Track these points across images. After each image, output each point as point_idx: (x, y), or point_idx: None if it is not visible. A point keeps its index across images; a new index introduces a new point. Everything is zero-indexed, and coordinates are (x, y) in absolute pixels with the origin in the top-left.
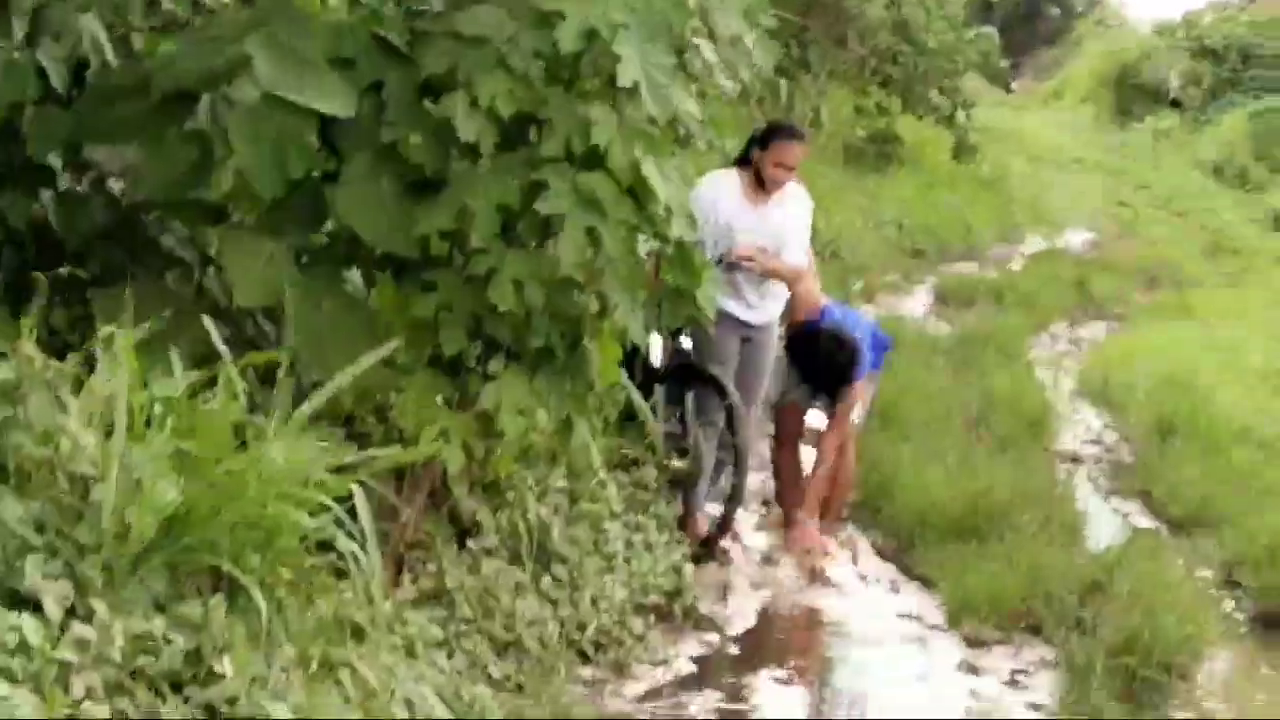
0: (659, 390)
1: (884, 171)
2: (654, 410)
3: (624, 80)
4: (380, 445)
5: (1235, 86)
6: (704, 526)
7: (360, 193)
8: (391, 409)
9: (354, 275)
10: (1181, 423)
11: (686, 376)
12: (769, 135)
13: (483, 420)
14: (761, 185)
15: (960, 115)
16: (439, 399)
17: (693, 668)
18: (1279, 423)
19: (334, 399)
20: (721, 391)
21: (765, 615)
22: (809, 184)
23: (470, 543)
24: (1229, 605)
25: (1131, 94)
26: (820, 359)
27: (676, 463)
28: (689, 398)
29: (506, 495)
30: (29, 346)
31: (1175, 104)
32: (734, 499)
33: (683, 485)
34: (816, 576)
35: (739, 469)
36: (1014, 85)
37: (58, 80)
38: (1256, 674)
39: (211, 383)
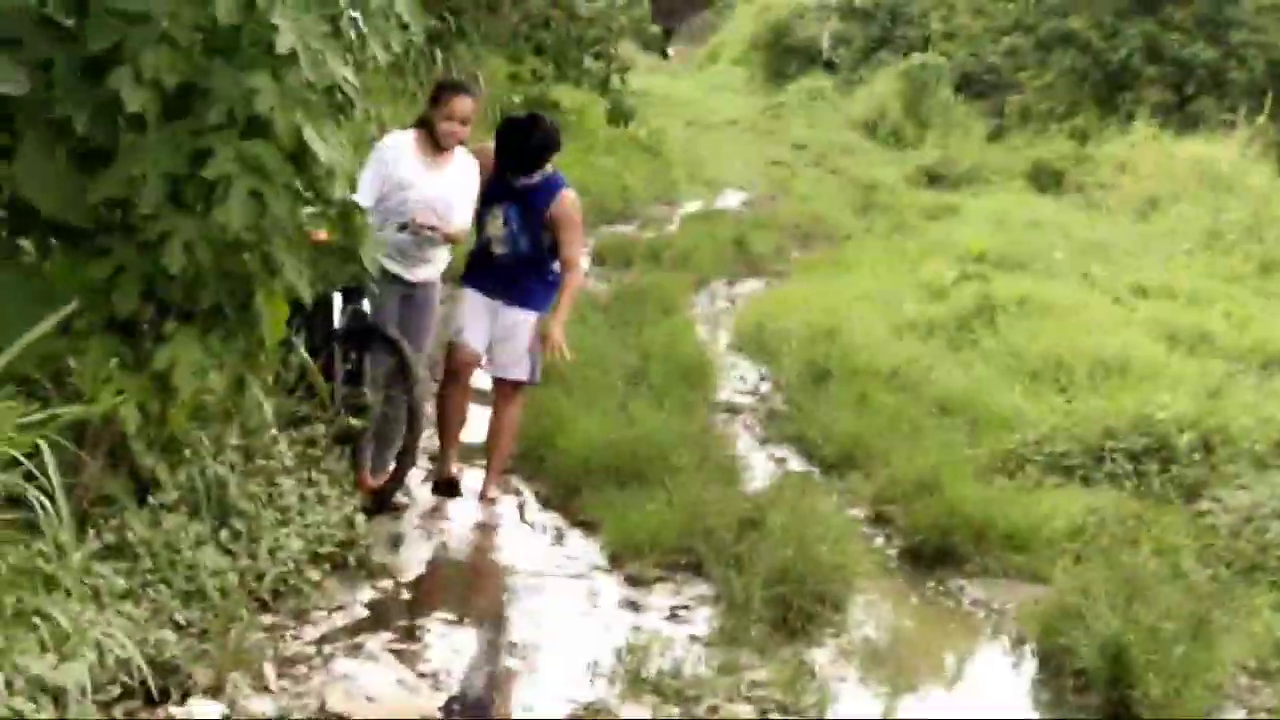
0: (338, 350)
1: None
2: (333, 369)
3: (282, 48)
4: (60, 407)
5: (885, 45)
6: (375, 481)
7: (34, 165)
8: (70, 374)
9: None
10: (833, 370)
11: (362, 335)
12: (438, 92)
13: (158, 380)
14: (437, 145)
15: (615, 80)
16: (115, 361)
17: (367, 612)
18: (926, 368)
19: (14, 364)
20: (395, 349)
21: (436, 563)
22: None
23: (151, 498)
24: (880, 540)
25: (785, 56)
26: (517, 137)
27: (350, 420)
28: (366, 356)
29: (184, 452)
30: None
31: (829, 64)
32: (406, 454)
33: (355, 442)
34: (484, 527)
35: (411, 425)
36: (670, 51)
37: None
38: (906, 604)
39: None
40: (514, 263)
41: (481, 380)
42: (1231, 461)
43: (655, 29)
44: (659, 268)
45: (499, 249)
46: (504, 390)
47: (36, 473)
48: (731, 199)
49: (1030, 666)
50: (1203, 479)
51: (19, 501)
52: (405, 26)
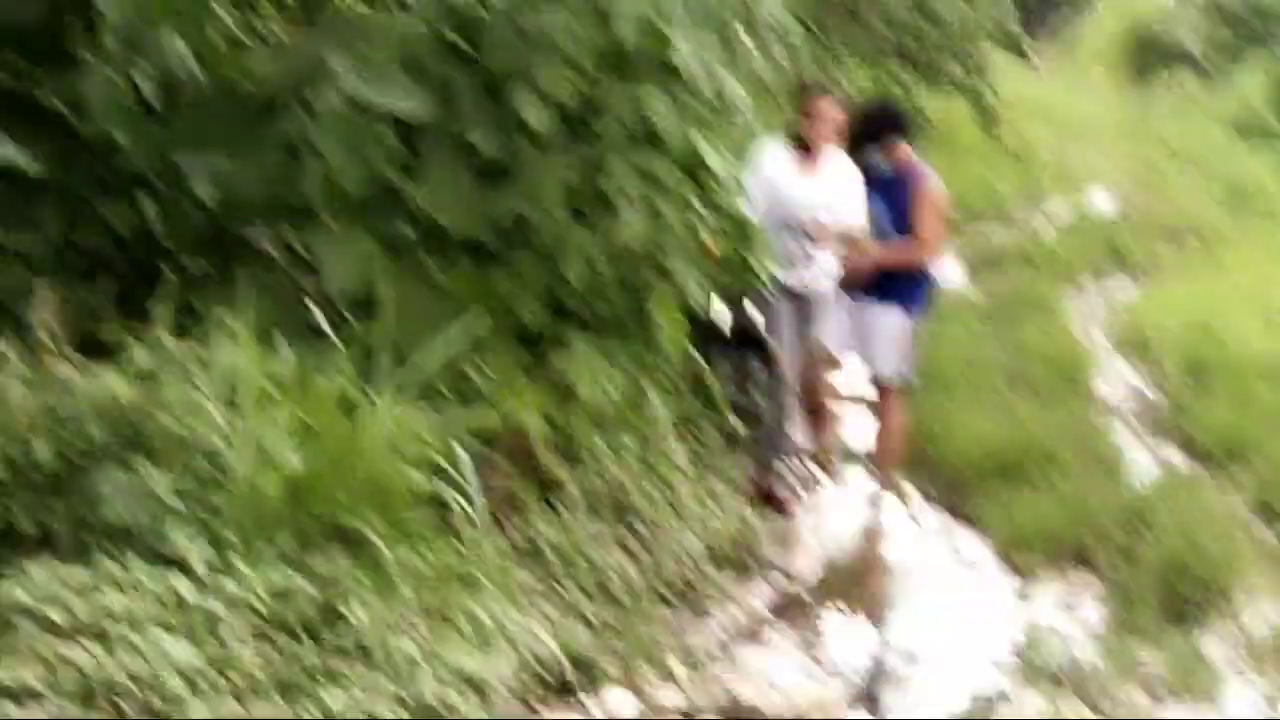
0: (723, 356)
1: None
2: (718, 375)
3: (680, 65)
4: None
5: (1254, 43)
6: (768, 482)
7: (439, 184)
8: (467, 382)
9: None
10: (1212, 366)
11: (747, 342)
12: (801, 96)
13: (559, 386)
14: (807, 151)
15: (981, 86)
16: (518, 368)
17: (764, 609)
18: None
19: (418, 373)
20: (768, 359)
21: (828, 560)
22: None
23: (555, 500)
24: (1266, 532)
25: (1151, 56)
26: (864, 115)
27: (737, 424)
28: (752, 362)
29: (584, 456)
30: (165, 335)
31: (1195, 64)
32: (777, 454)
33: (747, 444)
34: (873, 525)
35: (780, 426)
36: (1032, 52)
37: (151, 95)
38: None
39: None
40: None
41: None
42: None
43: (1017, 30)
44: (1032, 269)
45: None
46: (883, 392)
47: (454, 475)
48: (1100, 200)
49: None
50: None
51: (437, 501)
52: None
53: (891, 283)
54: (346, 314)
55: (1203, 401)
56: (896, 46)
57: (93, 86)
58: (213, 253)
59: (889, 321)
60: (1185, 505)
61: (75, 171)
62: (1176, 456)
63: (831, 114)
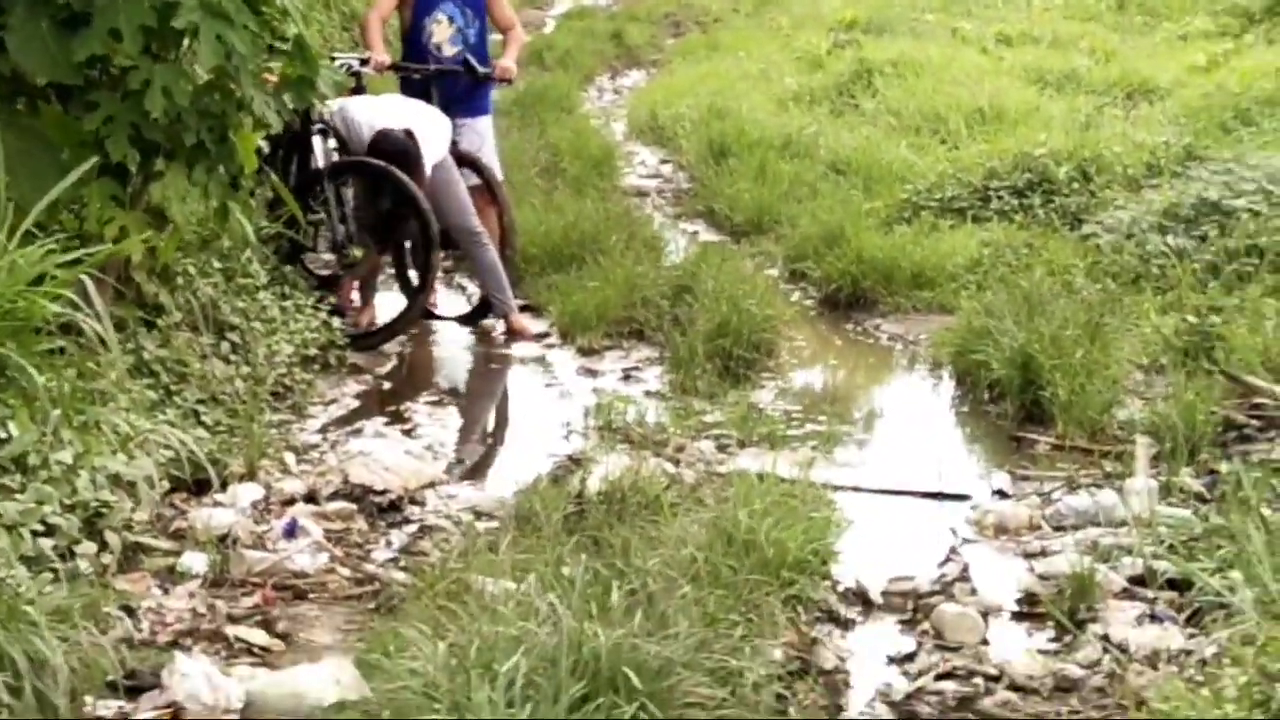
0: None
1: None
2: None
3: None
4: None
5: None
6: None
7: (23, 34)
8: (76, 216)
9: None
10: (730, 145)
11: (343, 171)
12: None
13: (153, 214)
14: None
15: None
16: (114, 201)
17: (357, 403)
18: (815, 134)
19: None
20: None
21: (404, 355)
22: None
23: (158, 321)
24: (798, 294)
25: None
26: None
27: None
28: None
29: (177, 279)
30: None
31: None
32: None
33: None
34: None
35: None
36: None
37: None
38: (831, 345)
39: None
40: (462, 63)
41: None
42: (1108, 186)
43: None
44: (545, 69)
45: (449, 51)
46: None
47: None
48: None
49: (948, 385)
50: (1084, 205)
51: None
52: None
53: (482, 93)
54: None
55: (725, 180)
56: None
57: None
58: None
59: (489, 128)
60: (724, 274)
61: None
62: (708, 233)
63: None
